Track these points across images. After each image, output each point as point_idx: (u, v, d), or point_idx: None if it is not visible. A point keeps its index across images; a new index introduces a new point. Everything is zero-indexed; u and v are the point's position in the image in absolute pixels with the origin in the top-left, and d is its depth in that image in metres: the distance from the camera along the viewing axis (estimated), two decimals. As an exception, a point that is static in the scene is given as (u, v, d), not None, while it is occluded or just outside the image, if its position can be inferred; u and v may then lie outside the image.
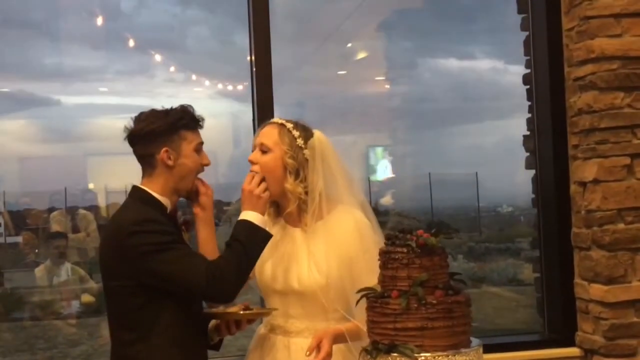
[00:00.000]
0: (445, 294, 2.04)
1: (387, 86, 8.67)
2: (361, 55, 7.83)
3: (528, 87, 3.70)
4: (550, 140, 3.53)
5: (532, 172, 3.72)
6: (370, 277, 2.22)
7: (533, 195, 3.73)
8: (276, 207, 2.48)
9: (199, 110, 2.35)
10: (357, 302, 2.17)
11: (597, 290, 3.24)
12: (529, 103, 3.71)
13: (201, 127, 2.34)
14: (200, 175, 2.36)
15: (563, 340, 3.45)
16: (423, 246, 2.06)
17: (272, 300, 2.44)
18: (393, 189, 8.75)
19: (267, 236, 2.27)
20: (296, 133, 2.38)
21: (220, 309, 2.36)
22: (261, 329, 2.50)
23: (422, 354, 1.98)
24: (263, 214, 2.29)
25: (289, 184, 2.36)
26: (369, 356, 2.05)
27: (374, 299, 2.09)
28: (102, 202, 7.57)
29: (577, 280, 3.42)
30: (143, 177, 2.32)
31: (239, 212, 2.33)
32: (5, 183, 7.55)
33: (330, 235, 2.36)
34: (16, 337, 6.25)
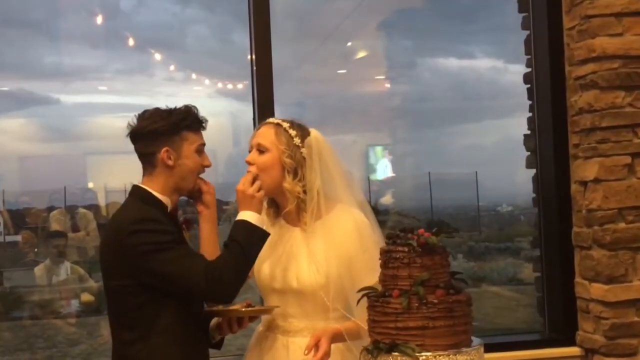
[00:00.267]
0: (447, 293, 2.04)
1: (387, 85, 8.67)
2: (361, 54, 7.83)
3: (529, 86, 3.70)
4: (551, 139, 3.53)
5: (533, 171, 3.72)
6: (370, 277, 2.22)
7: (534, 195, 3.73)
8: (275, 207, 2.48)
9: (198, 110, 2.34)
10: (358, 301, 2.17)
11: (597, 290, 3.23)
12: (530, 102, 3.71)
13: (204, 128, 2.34)
14: (201, 175, 2.36)
15: (564, 339, 3.45)
16: (424, 245, 2.06)
17: (270, 299, 2.44)
18: (393, 189, 8.74)
19: (264, 235, 2.27)
20: (293, 132, 2.39)
21: (222, 307, 2.36)
22: (260, 328, 2.50)
23: (423, 354, 1.98)
24: (259, 212, 2.28)
25: (287, 183, 2.36)
26: (370, 355, 2.05)
27: (375, 298, 2.09)
28: (101, 201, 7.56)
29: (577, 279, 3.42)
30: (144, 175, 2.32)
31: (237, 211, 2.33)
32: (5, 182, 7.54)
33: (329, 235, 2.36)
34: (15, 336, 6.24)
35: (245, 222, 2.25)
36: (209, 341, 2.41)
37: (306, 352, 2.22)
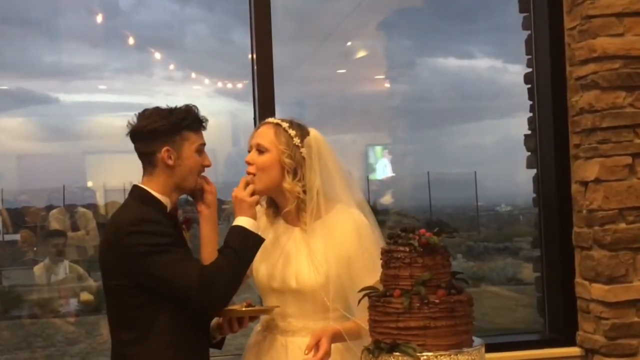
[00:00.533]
0: (448, 293, 2.04)
1: (387, 85, 8.67)
2: (361, 54, 7.83)
3: (529, 86, 3.70)
4: (552, 139, 3.53)
5: (532, 171, 3.72)
6: (369, 277, 2.22)
7: (534, 195, 3.73)
8: (275, 207, 2.47)
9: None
10: (359, 301, 2.17)
11: (598, 290, 3.23)
12: (531, 102, 3.71)
13: (204, 128, 2.33)
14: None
15: (564, 339, 3.45)
16: (425, 245, 2.06)
17: (269, 299, 2.44)
18: (392, 188, 8.75)
19: (259, 241, 2.27)
20: (292, 132, 2.38)
21: None
22: (258, 328, 2.50)
23: (424, 353, 1.98)
24: (254, 217, 2.28)
25: (287, 183, 2.36)
26: (371, 355, 2.05)
27: (376, 298, 2.08)
28: (100, 200, 7.55)
29: (578, 279, 3.42)
30: (143, 175, 2.31)
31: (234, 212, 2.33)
32: (4, 180, 7.53)
33: (328, 235, 2.36)
34: (14, 335, 6.24)
35: (240, 228, 2.24)
36: (209, 341, 2.40)
37: (306, 351, 2.22)
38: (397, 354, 1.99)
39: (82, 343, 6.14)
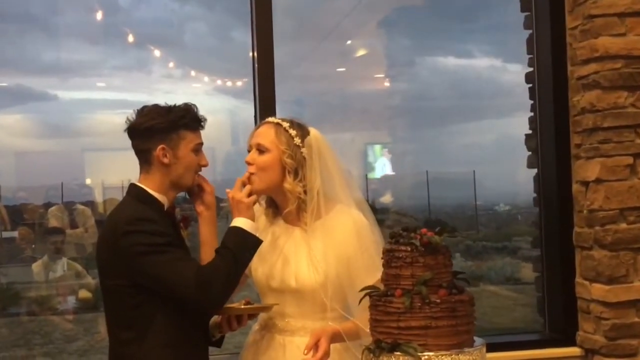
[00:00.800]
0: (449, 293, 2.03)
1: (387, 84, 8.67)
2: (360, 52, 7.83)
3: (530, 85, 3.69)
4: (553, 139, 3.52)
5: (533, 171, 3.72)
6: (369, 277, 2.22)
7: (534, 194, 3.72)
8: (275, 207, 2.46)
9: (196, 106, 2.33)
10: (360, 300, 2.16)
11: (598, 290, 3.23)
12: (532, 102, 3.70)
13: (202, 127, 2.32)
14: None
15: (564, 339, 3.45)
16: (427, 245, 2.05)
17: (268, 298, 2.43)
18: (391, 187, 8.75)
19: (256, 242, 2.26)
20: (293, 132, 2.37)
21: None
22: (256, 327, 2.49)
23: (425, 353, 1.97)
24: (252, 218, 2.26)
25: (288, 183, 2.35)
26: (372, 355, 2.04)
27: (377, 297, 2.08)
28: (99, 197, 7.55)
29: (578, 279, 3.41)
30: (140, 173, 2.30)
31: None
32: (2, 177, 7.52)
33: (328, 235, 2.35)
34: (12, 332, 6.23)
35: (237, 229, 2.23)
36: (208, 340, 2.40)
37: (306, 351, 2.21)
38: (398, 353, 1.98)
39: (80, 340, 6.13)
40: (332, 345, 2.26)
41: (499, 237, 9.77)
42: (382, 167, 8.77)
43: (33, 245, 6.78)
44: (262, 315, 2.45)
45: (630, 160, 3.21)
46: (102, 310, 2.35)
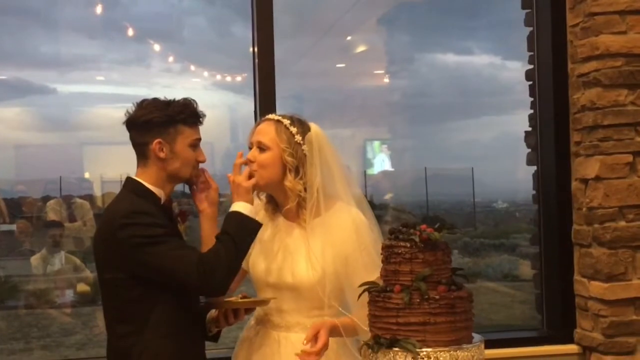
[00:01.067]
0: (448, 290, 2.04)
1: (386, 80, 8.65)
2: (360, 48, 7.82)
3: (531, 82, 3.69)
4: (553, 136, 3.53)
5: (531, 168, 3.72)
6: (367, 275, 2.21)
7: (533, 192, 3.72)
8: (274, 204, 2.46)
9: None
10: (359, 296, 2.16)
11: (596, 288, 3.24)
12: (532, 99, 3.70)
13: (201, 123, 2.32)
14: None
15: (562, 337, 3.45)
16: (426, 241, 2.05)
17: (265, 294, 2.42)
18: (390, 183, 8.74)
19: (256, 226, 2.26)
20: (294, 129, 2.36)
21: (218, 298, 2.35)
22: (252, 322, 2.49)
23: (424, 349, 1.98)
24: (250, 202, 2.27)
25: (289, 181, 2.34)
26: (370, 350, 2.04)
27: (376, 293, 2.08)
28: (97, 191, 7.55)
29: (576, 277, 3.42)
30: (138, 166, 2.31)
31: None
32: (1, 170, 7.52)
33: (327, 233, 2.35)
34: (10, 325, 6.23)
35: (236, 214, 2.24)
36: (205, 334, 2.40)
37: (305, 342, 2.21)
38: (397, 349, 1.98)
39: (78, 334, 6.13)
40: (329, 346, 2.26)
41: (496, 234, 9.78)
42: (381, 163, 8.76)
43: (31, 239, 6.77)
44: (257, 310, 2.46)
45: (629, 158, 3.21)
46: (100, 303, 2.36)
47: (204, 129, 2.33)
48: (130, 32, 7.22)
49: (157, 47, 7.80)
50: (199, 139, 2.31)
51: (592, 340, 3.28)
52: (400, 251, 2.06)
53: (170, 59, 8.02)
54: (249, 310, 2.40)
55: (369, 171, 8.52)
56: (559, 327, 3.50)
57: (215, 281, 2.17)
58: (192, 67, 8.22)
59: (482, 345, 2.07)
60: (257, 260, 2.41)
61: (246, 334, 2.48)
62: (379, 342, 2.03)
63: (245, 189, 2.27)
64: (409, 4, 7.53)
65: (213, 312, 2.40)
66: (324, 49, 7.69)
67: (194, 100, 2.31)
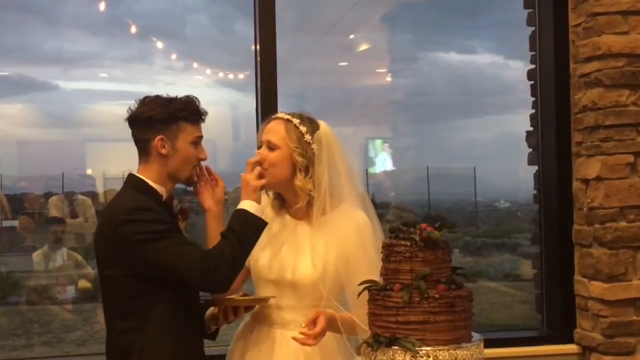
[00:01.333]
0: (448, 288, 2.04)
1: (389, 79, 8.65)
2: (363, 47, 7.81)
3: (532, 82, 3.69)
4: (554, 136, 3.53)
5: (533, 167, 3.72)
6: (368, 277, 2.21)
7: (534, 191, 3.73)
8: (281, 200, 2.46)
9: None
10: (359, 294, 2.17)
11: (597, 288, 3.24)
12: (533, 99, 3.70)
13: (203, 121, 2.32)
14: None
15: (561, 337, 3.46)
16: (426, 240, 2.05)
17: (265, 290, 2.43)
18: (391, 182, 8.74)
19: (261, 225, 2.27)
20: (303, 129, 2.36)
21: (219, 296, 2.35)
22: (247, 319, 2.49)
23: (423, 348, 1.98)
24: (257, 200, 2.27)
25: (299, 180, 2.35)
26: (370, 349, 2.05)
27: (376, 291, 2.08)
28: (100, 188, 7.55)
29: (577, 277, 3.42)
30: (139, 163, 2.31)
31: (235, 200, 2.33)
32: (3, 167, 7.52)
33: (331, 232, 2.36)
34: (11, 321, 6.24)
35: (243, 212, 2.25)
36: (204, 331, 2.41)
37: (303, 325, 2.21)
38: (396, 348, 1.98)
39: (79, 330, 6.14)
40: (326, 347, 2.28)
41: (498, 234, 9.76)
42: (383, 162, 8.75)
43: (33, 235, 6.78)
44: (264, 305, 2.46)
45: (631, 158, 3.21)
46: (101, 300, 2.36)
47: (206, 127, 2.34)
48: (133, 29, 7.23)
49: (159, 44, 7.80)
50: (201, 137, 2.32)
51: (591, 340, 3.28)
52: (400, 250, 2.06)
53: (173, 56, 8.01)
54: (248, 309, 2.40)
55: (371, 170, 8.52)
56: (559, 327, 3.51)
57: (219, 278, 2.17)
58: (195, 65, 8.22)
59: (482, 345, 2.08)
60: (259, 256, 2.42)
61: (242, 330, 2.49)
62: (378, 341, 2.03)
63: (253, 187, 2.27)
64: (412, 2, 7.52)
65: (212, 310, 2.40)
66: (326, 47, 7.68)
67: (196, 97, 2.32)
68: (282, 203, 2.46)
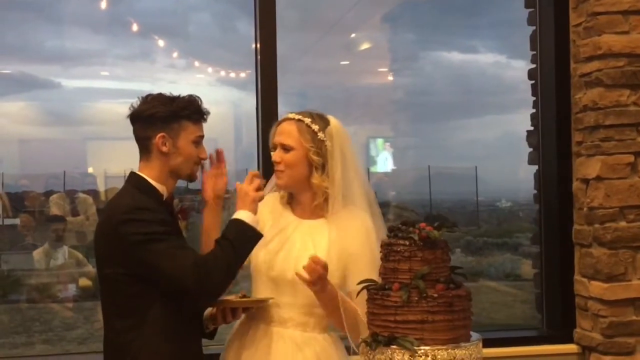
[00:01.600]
0: (446, 288, 2.04)
1: (390, 78, 8.64)
2: (364, 46, 7.80)
3: (533, 82, 3.69)
4: (554, 136, 3.53)
5: (533, 167, 3.71)
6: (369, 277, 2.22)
7: (535, 191, 3.72)
8: (290, 196, 2.47)
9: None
10: (358, 293, 2.17)
11: (596, 288, 3.24)
12: (534, 98, 3.70)
13: (205, 120, 2.33)
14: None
15: (561, 336, 3.46)
16: (425, 239, 2.06)
17: (263, 286, 2.43)
18: (393, 181, 8.74)
19: (256, 236, 2.27)
20: (315, 127, 2.37)
21: None
22: (244, 316, 2.49)
23: (421, 347, 1.98)
24: (253, 211, 2.28)
25: (316, 179, 2.36)
26: (368, 348, 2.05)
27: (375, 290, 2.08)
28: (101, 186, 7.55)
29: (577, 277, 3.42)
30: (140, 161, 2.32)
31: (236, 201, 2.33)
32: (5, 165, 7.52)
33: (334, 232, 2.37)
34: (12, 319, 6.24)
35: (239, 221, 2.24)
36: (202, 331, 2.41)
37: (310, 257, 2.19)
38: (395, 347, 1.99)
39: (79, 329, 6.14)
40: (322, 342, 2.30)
41: (500, 233, 9.76)
42: (384, 161, 8.75)
43: (34, 233, 6.78)
44: (262, 306, 2.45)
45: (631, 158, 3.21)
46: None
47: (208, 125, 2.35)
48: (135, 27, 7.22)
49: (161, 42, 7.80)
50: (202, 136, 2.32)
51: (591, 340, 3.28)
52: (399, 249, 2.07)
53: (175, 54, 8.01)
54: (246, 309, 2.40)
55: (372, 169, 8.51)
56: (558, 327, 3.51)
57: (211, 285, 2.17)
58: (197, 63, 8.22)
59: (480, 344, 2.08)
60: (260, 252, 2.41)
61: (238, 328, 2.49)
62: (377, 340, 2.04)
63: (252, 198, 2.28)
64: (413, 2, 7.51)
65: (211, 310, 2.40)
66: (327, 46, 7.67)
67: (198, 97, 2.32)
68: (290, 200, 2.48)
